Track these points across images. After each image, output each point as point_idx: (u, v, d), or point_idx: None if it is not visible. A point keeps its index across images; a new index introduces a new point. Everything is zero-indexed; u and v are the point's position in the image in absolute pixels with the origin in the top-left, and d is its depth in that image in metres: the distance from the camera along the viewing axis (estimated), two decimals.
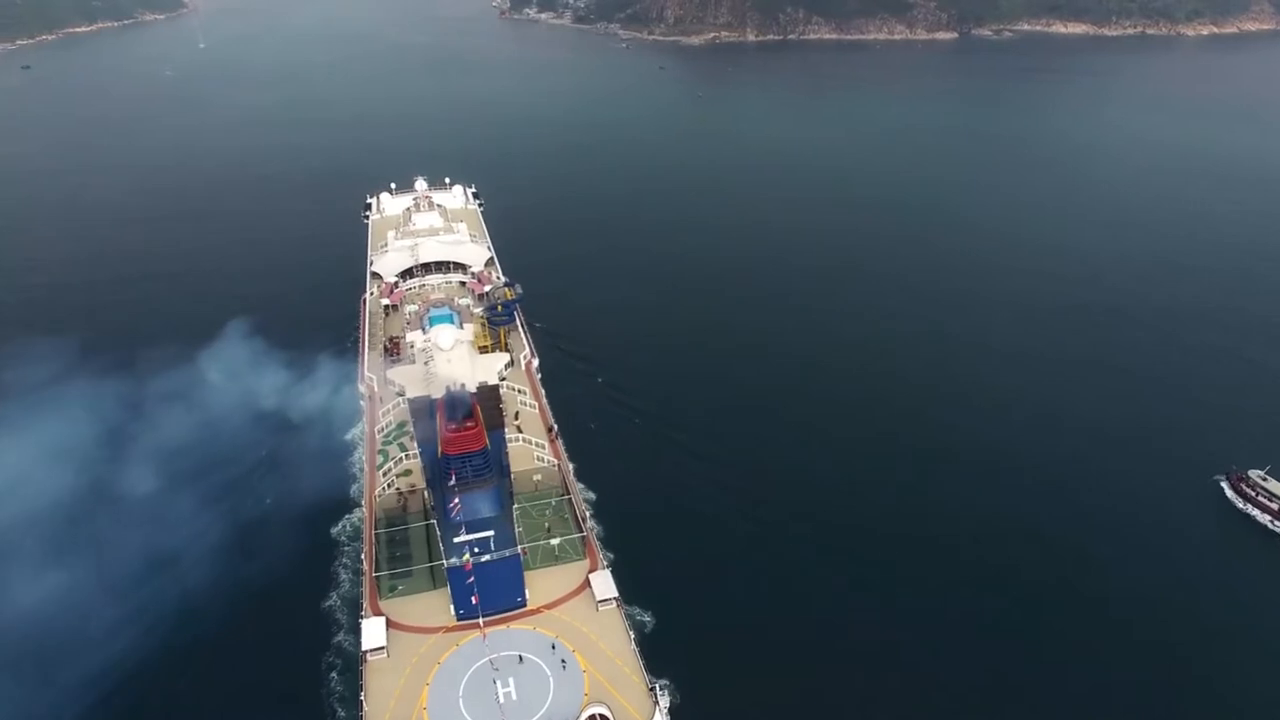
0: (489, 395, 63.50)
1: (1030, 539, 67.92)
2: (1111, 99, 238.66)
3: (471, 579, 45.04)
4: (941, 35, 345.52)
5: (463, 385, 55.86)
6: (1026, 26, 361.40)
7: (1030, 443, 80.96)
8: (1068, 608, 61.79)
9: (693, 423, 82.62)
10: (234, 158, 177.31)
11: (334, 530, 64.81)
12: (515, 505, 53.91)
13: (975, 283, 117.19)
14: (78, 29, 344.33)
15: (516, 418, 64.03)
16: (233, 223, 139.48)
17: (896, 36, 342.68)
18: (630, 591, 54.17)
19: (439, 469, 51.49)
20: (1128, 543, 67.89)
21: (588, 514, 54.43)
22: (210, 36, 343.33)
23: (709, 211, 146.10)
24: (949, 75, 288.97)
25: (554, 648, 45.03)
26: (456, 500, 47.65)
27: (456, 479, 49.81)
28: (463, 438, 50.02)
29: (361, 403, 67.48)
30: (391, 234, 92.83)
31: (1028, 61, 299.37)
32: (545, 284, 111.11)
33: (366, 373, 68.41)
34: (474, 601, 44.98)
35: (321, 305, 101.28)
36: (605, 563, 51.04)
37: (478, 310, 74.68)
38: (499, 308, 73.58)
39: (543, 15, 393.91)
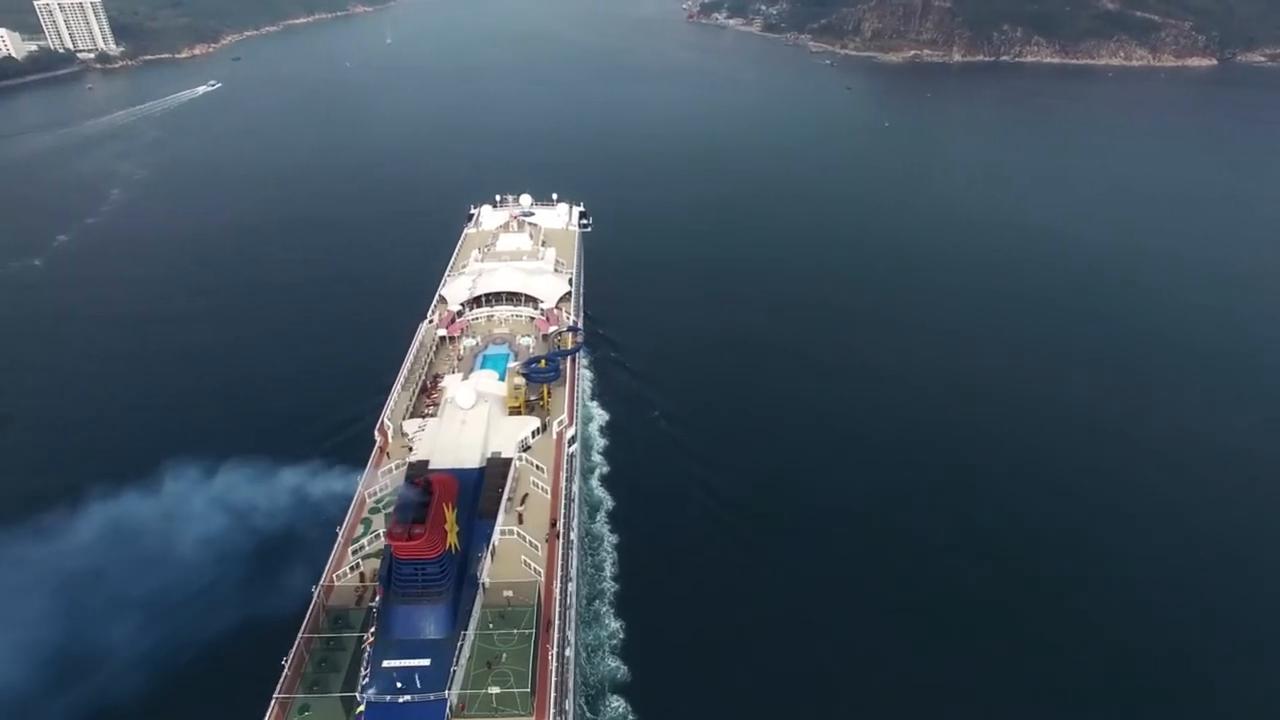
0: (496, 473, 54.92)
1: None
2: None
3: None
4: (1195, 62, 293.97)
5: (423, 474, 46.91)
6: None
7: None
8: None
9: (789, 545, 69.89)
10: (370, 155, 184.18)
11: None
12: (473, 627, 44.37)
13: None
14: (296, 21, 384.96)
15: (522, 502, 54.55)
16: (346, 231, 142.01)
17: (1135, 62, 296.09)
18: None
19: (389, 568, 43.25)
20: None
21: (554, 657, 43.52)
22: (400, 30, 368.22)
23: (860, 275, 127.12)
24: (1216, 116, 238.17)
25: None
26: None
27: (394, 590, 41.22)
28: (408, 547, 41.31)
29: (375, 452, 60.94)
30: (475, 253, 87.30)
31: None
32: (642, 322, 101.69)
33: (385, 418, 61.90)
34: None
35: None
36: None
37: (514, 364, 66.06)
38: (543, 362, 64.71)
39: (731, 21, 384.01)
